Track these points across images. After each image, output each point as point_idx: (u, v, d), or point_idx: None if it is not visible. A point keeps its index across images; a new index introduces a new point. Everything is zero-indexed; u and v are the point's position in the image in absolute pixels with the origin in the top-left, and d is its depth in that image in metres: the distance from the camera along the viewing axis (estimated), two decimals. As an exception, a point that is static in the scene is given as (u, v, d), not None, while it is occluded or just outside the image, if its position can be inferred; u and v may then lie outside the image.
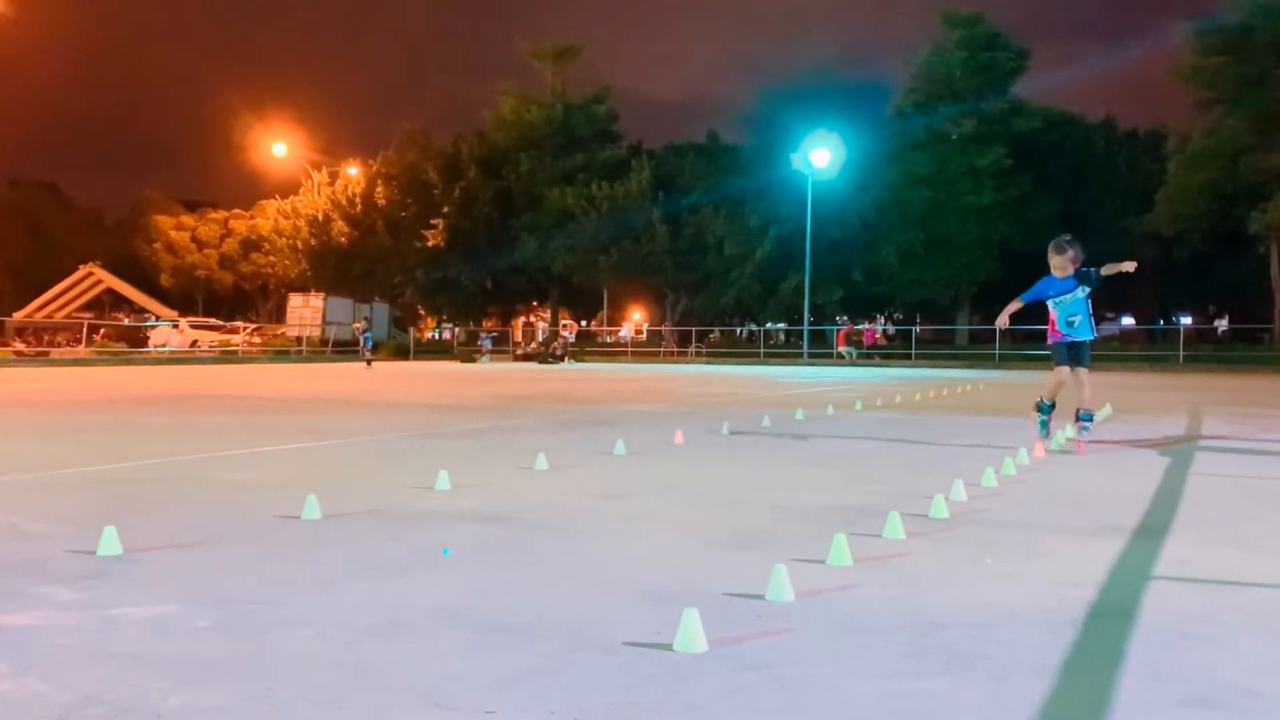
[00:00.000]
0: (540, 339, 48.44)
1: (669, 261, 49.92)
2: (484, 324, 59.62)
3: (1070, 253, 7.49)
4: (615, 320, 68.22)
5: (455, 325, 58.15)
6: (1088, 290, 7.59)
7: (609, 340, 59.05)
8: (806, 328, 45.57)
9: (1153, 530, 4.44)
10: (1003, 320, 8.00)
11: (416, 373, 26.84)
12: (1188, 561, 3.80)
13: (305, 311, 49.81)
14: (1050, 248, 7.60)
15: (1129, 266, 7.42)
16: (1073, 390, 7.85)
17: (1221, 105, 41.30)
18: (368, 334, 36.09)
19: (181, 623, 2.87)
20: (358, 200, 54.77)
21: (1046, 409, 7.97)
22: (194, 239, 74.69)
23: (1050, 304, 7.77)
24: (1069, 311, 7.66)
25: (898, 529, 4.21)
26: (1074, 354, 7.72)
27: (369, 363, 33.32)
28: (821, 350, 44.50)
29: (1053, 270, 7.61)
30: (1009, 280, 51.24)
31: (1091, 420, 7.90)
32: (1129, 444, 8.35)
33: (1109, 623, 2.96)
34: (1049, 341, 7.96)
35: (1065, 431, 8.73)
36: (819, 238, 44.62)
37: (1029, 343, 47.87)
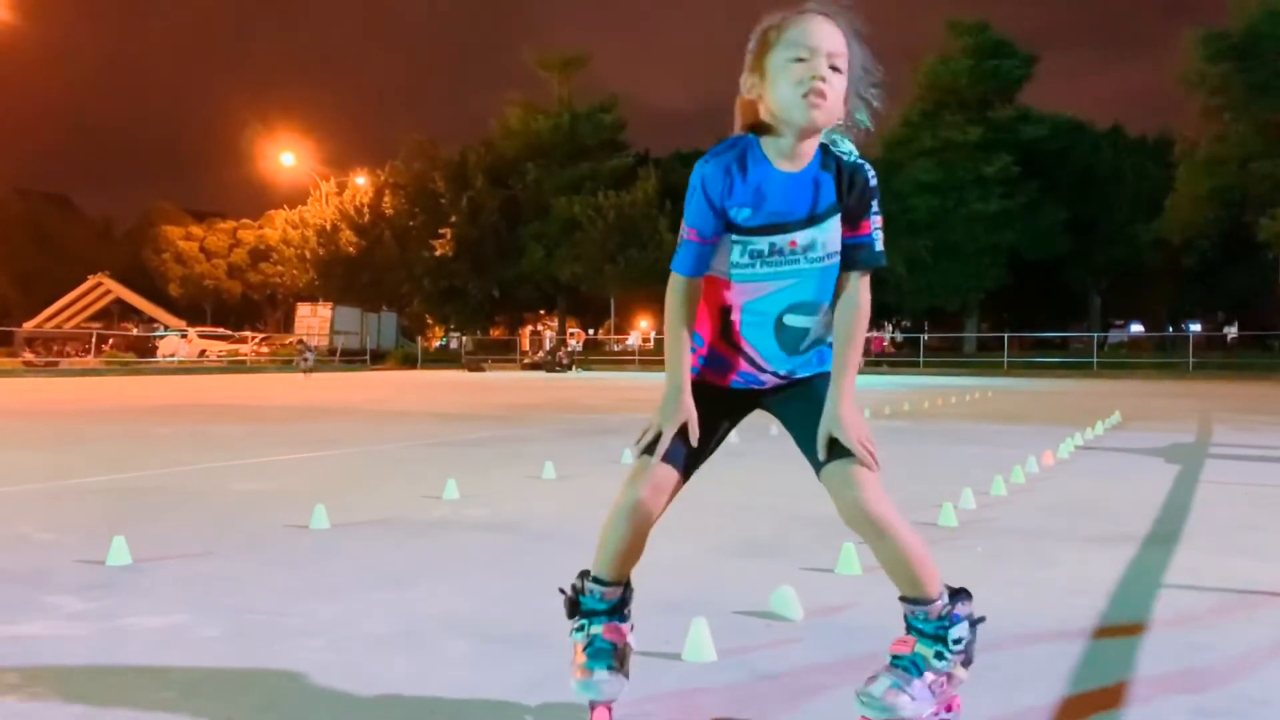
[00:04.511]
0: (547, 347, 48.56)
1: (676, 270, 49.89)
2: (492, 332, 59.66)
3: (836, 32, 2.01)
4: (622, 328, 68.25)
5: (463, 334, 58.28)
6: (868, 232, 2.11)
7: (616, 349, 59.07)
8: (814, 335, 45.50)
9: (1163, 538, 4.42)
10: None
11: (424, 381, 26.88)
12: (1198, 570, 3.79)
13: (313, 321, 49.97)
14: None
15: None
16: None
17: (1229, 112, 41.23)
18: (310, 353, 36.29)
19: (190, 633, 2.87)
20: (365, 210, 54.95)
21: (597, 603, 2.19)
22: (202, 249, 75.01)
23: (735, 258, 2.09)
24: (791, 298, 2.12)
25: (906, 538, 4.20)
26: (791, 409, 2.24)
27: (306, 373, 32.96)
28: (829, 358, 44.37)
29: (739, 131, 2.13)
30: (1017, 287, 51.36)
31: (954, 629, 2.08)
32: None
33: (1119, 632, 2.95)
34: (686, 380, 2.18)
35: (1073, 439, 8.70)
36: (826, 245, 44.59)
37: (1039, 350, 47.88)
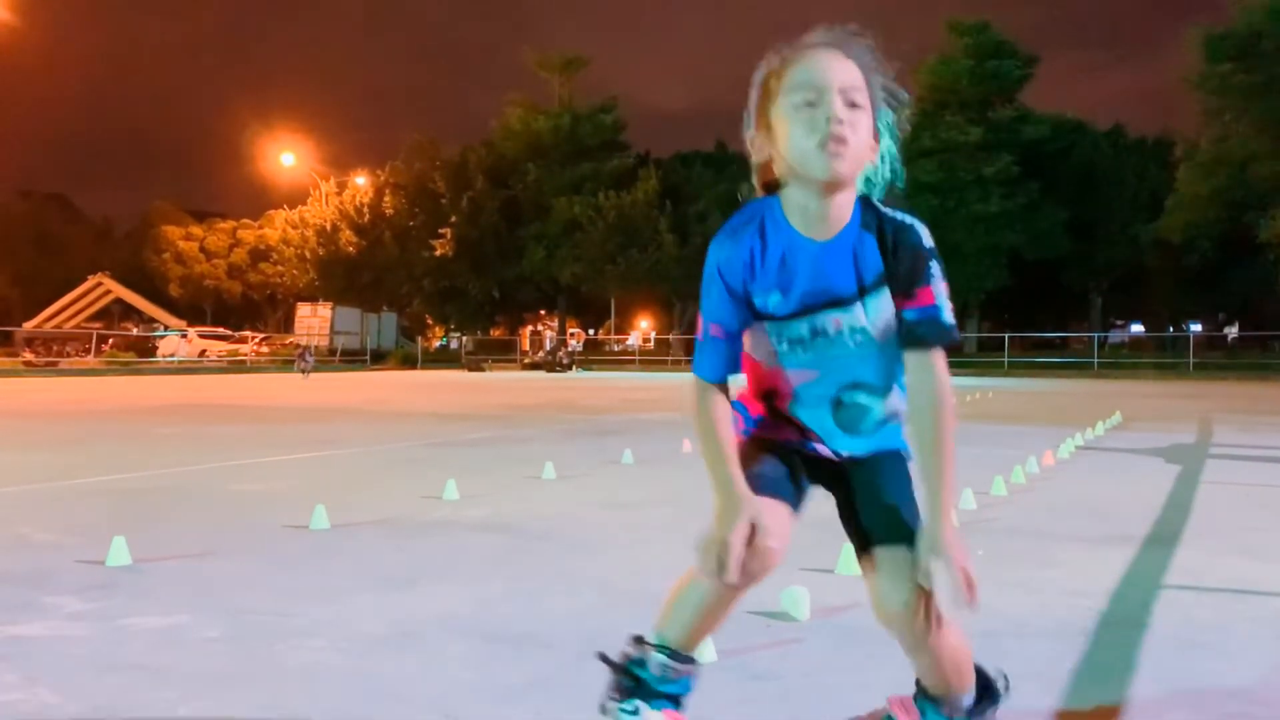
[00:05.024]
0: (547, 347, 48.72)
1: (676, 270, 49.96)
2: (492, 332, 59.64)
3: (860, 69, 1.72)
4: (622, 328, 68.29)
5: (463, 334, 58.36)
6: (930, 309, 1.76)
7: (616, 349, 59.09)
8: (814, 336, 45.46)
9: (1164, 539, 4.42)
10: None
11: (424, 382, 26.88)
12: (1199, 571, 3.78)
13: (313, 321, 49.99)
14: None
15: None
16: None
17: (1230, 112, 41.22)
18: (310, 356, 36.21)
19: (191, 633, 2.87)
20: (365, 210, 54.98)
21: (663, 682, 1.81)
22: (202, 249, 75.05)
23: (773, 345, 1.83)
24: (846, 379, 1.83)
25: (907, 538, 4.20)
26: (849, 484, 1.92)
27: (305, 374, 32.65)
28: (829, 358, 44.34)
29: (757, 184, 1.89)
30: (1018, 288, 51.32)
31: None
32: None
33: (1120, 632, 2.95)
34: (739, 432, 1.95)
35: (1073, 440, 8.70)
36: (826, 246, 44.58)
37: (1040, 350, 47.84)
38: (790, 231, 1.74)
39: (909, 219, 1.77)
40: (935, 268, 1.76)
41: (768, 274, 1.74)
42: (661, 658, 1.75)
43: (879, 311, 1.76)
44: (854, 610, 3.16)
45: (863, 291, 1.74)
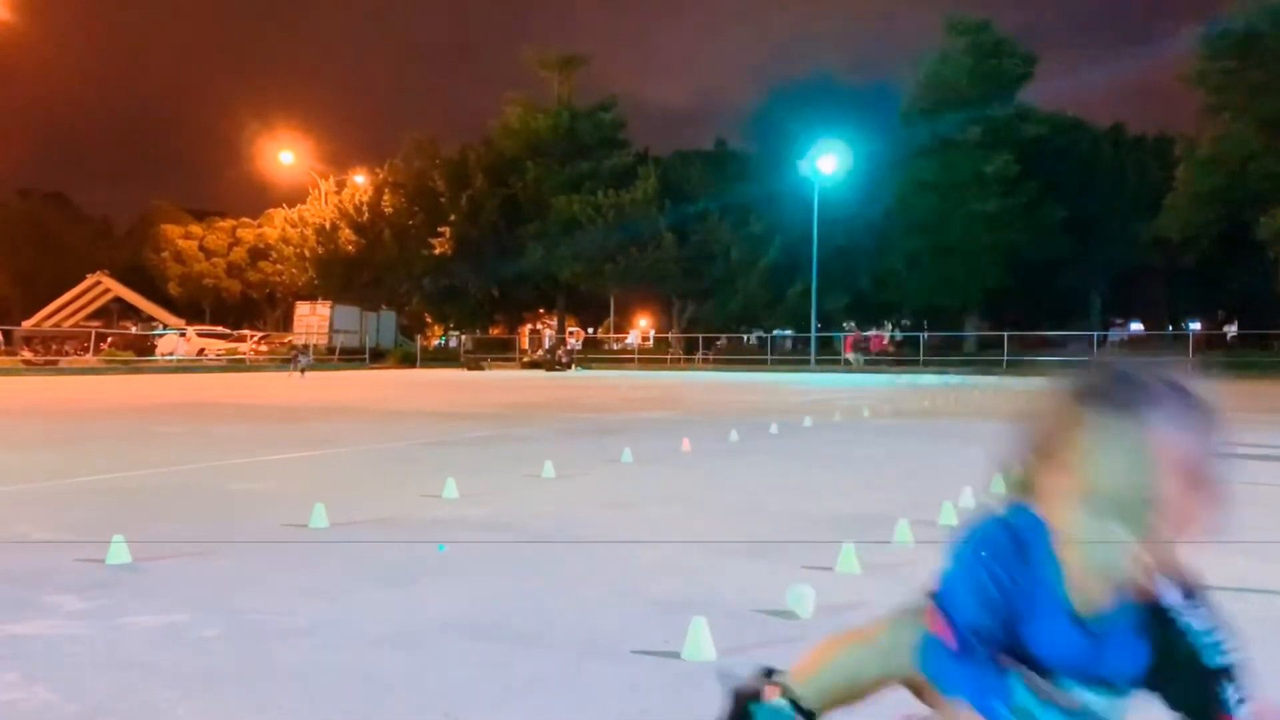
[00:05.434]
0: (546, 346, 48.68)
1: (675, 269, 49.99)
2: (492, 331, 59.63)
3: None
4: (622, 327, 68.25)
5: (462, 333, 58.34)
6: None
7: (615, 347, 59.08)
8: (814, 334, 45.56)
9: (1163, 538, 4.41)
10: None
11: (423, 381, 26.87)
12: (1197, 570, 3.78)
13: (312, 320, 49.96)
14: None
15: None
16: None
17: (1230, 110, 41.24)
18: (304, 356, 36.01)
19: (190, 632, 2.87)
20: (365, 209, 54.95)
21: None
22: (202, 248, 75.03)
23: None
24: None
25: (906, 537, 4.20)
26: None
27: (302, 372, 32.42)
28: (829, 357, 44.50)
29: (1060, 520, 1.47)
30: (1017, 286, 51.31)
31: None
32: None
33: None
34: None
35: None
36: (826, 244, 44.66)
37: (1041, 348, 47.86)
38: (1051, 588, 1.47)
39: (1202, 627, 1.48)
40: (1230, 691, 1.42)
41: (1027, 635, 1.47)
42: (791, 708, 1.59)
43: (1128, 708, 1.50)
44: (855, 610, 3.16)
45: (1112, 685, 1.48)
